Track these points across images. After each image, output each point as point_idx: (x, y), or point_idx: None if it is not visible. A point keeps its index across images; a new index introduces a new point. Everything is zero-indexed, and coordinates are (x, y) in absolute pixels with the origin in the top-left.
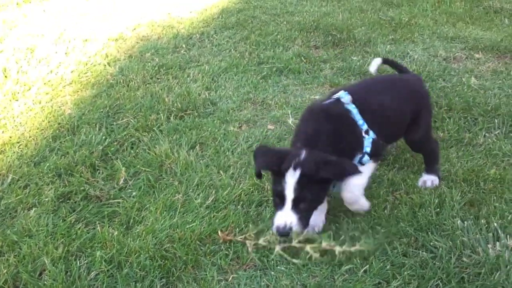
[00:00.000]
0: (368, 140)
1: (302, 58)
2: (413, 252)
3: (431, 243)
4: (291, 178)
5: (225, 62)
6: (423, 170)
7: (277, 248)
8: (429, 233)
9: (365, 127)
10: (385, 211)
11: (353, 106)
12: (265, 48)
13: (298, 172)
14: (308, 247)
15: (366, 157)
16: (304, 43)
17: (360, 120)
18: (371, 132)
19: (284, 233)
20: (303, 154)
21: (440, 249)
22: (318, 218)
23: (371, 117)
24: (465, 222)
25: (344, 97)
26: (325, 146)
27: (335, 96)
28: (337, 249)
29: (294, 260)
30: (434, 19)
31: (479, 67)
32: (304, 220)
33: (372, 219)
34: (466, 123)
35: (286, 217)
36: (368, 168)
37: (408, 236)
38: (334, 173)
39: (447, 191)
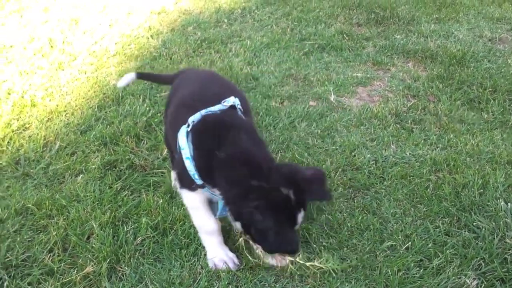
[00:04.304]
0: None
1: (345, 35)
2: (455, 231)
3: (474, 223)
4: (300, 218)
5: (267, 38)
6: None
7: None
8: (472, 213)
9: None
10: (428, 190)
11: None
12: (307, 25)
13: (302, 212)
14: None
15: None
16: (347, 20)
17: None
18: None
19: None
20: (290, 193)
21: (483, 229)
22: None
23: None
24: (509, 204)
25: (238, 103)
26: (272, 163)
27: (228, 102)
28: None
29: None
30: None
31: None
32: None
33: (414, 197)
34: (511, 105)
35: None
36: None
37: (450, 215)
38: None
39: (491, 172)
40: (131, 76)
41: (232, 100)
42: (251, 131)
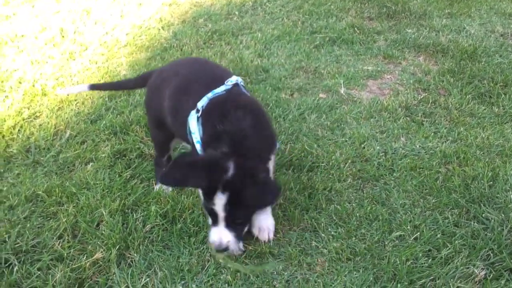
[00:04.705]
0: None
1: (356, 29)
2: (464, 222)
3: (483, 215)
4: (220, 200)
5: (277, 30)
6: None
7: None
8: (481, 205)
9: None
10: (437, 182)
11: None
12: (318, 18)
13: (226, 195)
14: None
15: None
16: (358, 14)
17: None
18: None
19: (222, 250)
20: (231, 169)
21: (492, 221)
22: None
23: None
24: None
25: (241, 81)
26: (252, 149)
27: (231, 81)
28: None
29: None
30: None
31: None
32: (240, 234)
33: (423, 189)
34: None
35: (221, 234)
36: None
37: (459, 207)
38: (261, 201)
39: (501, 165)
40: (82, 87)
41: (235, 79)
42: (254, 108)
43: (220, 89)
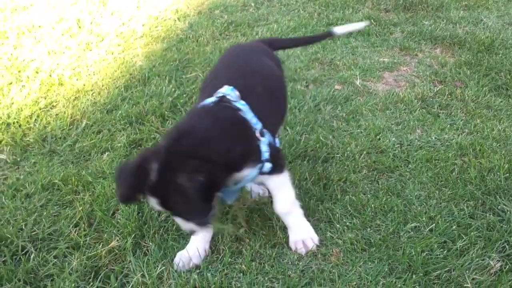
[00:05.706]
0: (264, 144)
1: (372, 20)
2: (480, 214)
3: (499, 207)
4: (155, 205)
5: (293, 22)
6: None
7: None
8: (497, 197)
9: (259, 126)
10: (453, 173)
11: (243, 102)
12: (334, 10)
13: (156, 200)
14: None
15: (267, 165)
16: (375, 6)
17: (253, 118)
18: (266, 133)
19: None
20: (154, 172)
21: (508, 213)
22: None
23: (258, 105)
24: None
25: (230, 93)
26: (207, 157)
27: (220, 93)
28: None
29: None
30: None
31: None
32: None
33: (439, 180)
34: None
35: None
36: (284, 180)
37: (475, 199)
38: (182, 211)
39: None
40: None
41: (222, 91)
42: (224, 119)
43: (209, 101)
